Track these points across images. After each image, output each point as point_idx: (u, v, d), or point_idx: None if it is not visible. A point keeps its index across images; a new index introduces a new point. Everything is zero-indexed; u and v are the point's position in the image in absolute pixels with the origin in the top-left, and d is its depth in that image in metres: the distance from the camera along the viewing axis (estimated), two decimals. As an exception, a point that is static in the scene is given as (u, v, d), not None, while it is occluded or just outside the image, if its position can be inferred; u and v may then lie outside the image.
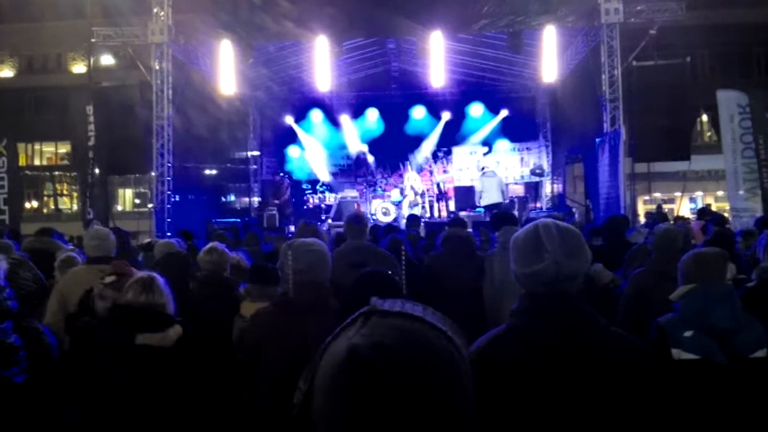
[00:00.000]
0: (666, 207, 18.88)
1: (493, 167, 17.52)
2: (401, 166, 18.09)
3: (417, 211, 15.28)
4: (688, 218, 12.58)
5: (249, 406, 2.85)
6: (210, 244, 4.54)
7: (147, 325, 2.68)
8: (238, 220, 14.06)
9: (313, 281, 2.83)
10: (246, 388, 2.86)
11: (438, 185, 16.88)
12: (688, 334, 2.37)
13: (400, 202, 16.13)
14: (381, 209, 16.00)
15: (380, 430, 0.74)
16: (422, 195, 16.46)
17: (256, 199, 18.15)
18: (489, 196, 13.84)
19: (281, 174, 16.32)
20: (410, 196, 16.34)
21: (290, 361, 2.67)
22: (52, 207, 29.71)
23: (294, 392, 2.51)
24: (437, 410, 0.76)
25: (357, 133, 18.17)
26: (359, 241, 4.39)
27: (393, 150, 18.11)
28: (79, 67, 27.02)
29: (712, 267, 2.54)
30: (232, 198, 19.32)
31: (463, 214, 14.40)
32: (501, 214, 5.34)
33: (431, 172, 18.08)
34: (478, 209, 15.25)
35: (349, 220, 4.58)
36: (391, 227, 6.97)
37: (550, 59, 12.89)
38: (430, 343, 0.80)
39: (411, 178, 16.98)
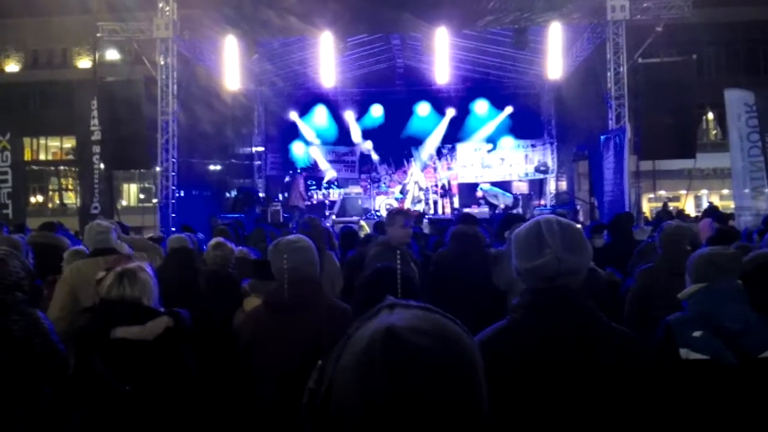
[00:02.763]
0: (671, 205, 18.83)
1: (498, 164, 17.61)
2: (405, 163, 18.08)
3: (420, 207, 15.31)
4: (690, 216, 12.56)
5: (247, 407, 2.84)
6: (217, 239, 4.54)
7: (123, 318, 2.62)
8: (242, 215, 14.08)
9: (303, 278, 2.81)
10: (242, 389, 2.84)
11: (443, 184, 16.93)
12: (697, 333, 2.34)
13: (402, 198, 16.15)
14: (385, 205, 16.02)
15: (414, 407, 0.75)
16: (426, 191, 16.48)
17: (260, 195, 18.19)
18: (504, 198, 14.24)
19: (291, 172, 16.53)
20: (414, 191, 16.34)
21: (285, 359, 2.67)
22: (57, 202, 29.82)
23: (301, 391, 2.52)
24: (464, 390, 0.80)
25: (361, 130, 18.17)
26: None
27: (397, 146, 18.11)
28: (84, 62, 27.07)
29: (724, 266, 2.50)
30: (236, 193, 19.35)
31: (466, 210, 14.42)
32: (511, 216, 5.43)
33: (435, 169, 18.08)
34: (482, 206, 15.28)
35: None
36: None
37: (555, 56, 12.84)
38: (455, 331, 0.85)
39: (415, 174, 16.99)
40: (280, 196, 17.34)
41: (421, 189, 16.46)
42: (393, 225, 4.40)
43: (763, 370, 2.28)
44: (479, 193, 15.78)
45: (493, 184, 16.88)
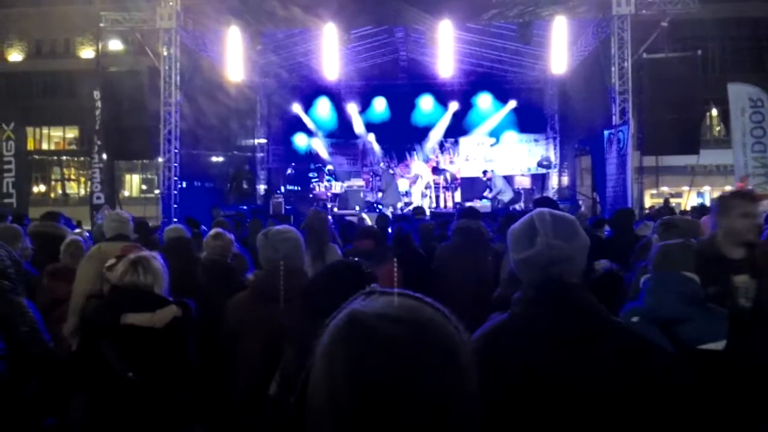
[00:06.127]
0: (673, 201, 18.79)
1: (500, 159, 17.56)
2: (408, 156, 18.07)
3: (425, 200, 15.34)
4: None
5: (226, 397, 2.84)
6: (216, 230, 4.55)
7: (134, 305, 2.65)
8: (245, 207, 14.10)
9: (291, 268, 2.81)
10: (224, 378, 2.85)
11: (446, 178, 16.90)
12: (635, 319, 2.45)
13: (407, 192, 16.13)
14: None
15: (376, 391, 0.74)
16: (427, 185, 16.49)
17: (262, 187, 18.20)
18: (506, 193, 14.17)
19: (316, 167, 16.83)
20: (419, 185, 16.33)
21: (266, 348, 2.68)
22: (60, 191, 29.87)
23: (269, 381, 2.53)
24: (432, 378, 0.77)
25: (364, 122, 18.15)
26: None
27: (400, 139, 18.09)
28: (87, 52, 27.05)
29: (674, 258, 2.60)
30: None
31: (468, 204, 14.41)
32: (544, 199, 5.40)
33: (438, 162, 18.06)
34: (484, 200, 15.24)
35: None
36: (403, 217, 6.97)
37: (559, 50, 12.80)
38: (429, 315, 0.82)
39: (418, 167, 16.98)
40: (282, 189, 17.35)
41: (426, 183, 16.47)
42: (728, 214, 2.89)
43: (701, 361, 2.30)
44: (488, 174, 15.67)
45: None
